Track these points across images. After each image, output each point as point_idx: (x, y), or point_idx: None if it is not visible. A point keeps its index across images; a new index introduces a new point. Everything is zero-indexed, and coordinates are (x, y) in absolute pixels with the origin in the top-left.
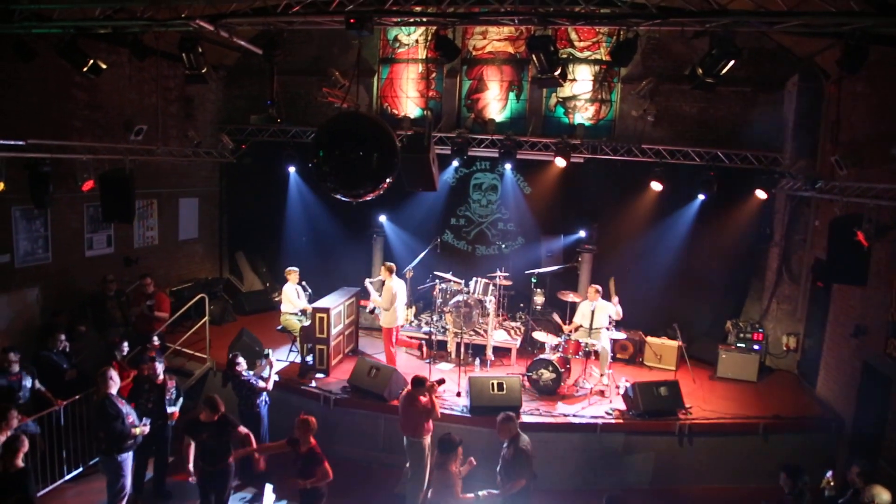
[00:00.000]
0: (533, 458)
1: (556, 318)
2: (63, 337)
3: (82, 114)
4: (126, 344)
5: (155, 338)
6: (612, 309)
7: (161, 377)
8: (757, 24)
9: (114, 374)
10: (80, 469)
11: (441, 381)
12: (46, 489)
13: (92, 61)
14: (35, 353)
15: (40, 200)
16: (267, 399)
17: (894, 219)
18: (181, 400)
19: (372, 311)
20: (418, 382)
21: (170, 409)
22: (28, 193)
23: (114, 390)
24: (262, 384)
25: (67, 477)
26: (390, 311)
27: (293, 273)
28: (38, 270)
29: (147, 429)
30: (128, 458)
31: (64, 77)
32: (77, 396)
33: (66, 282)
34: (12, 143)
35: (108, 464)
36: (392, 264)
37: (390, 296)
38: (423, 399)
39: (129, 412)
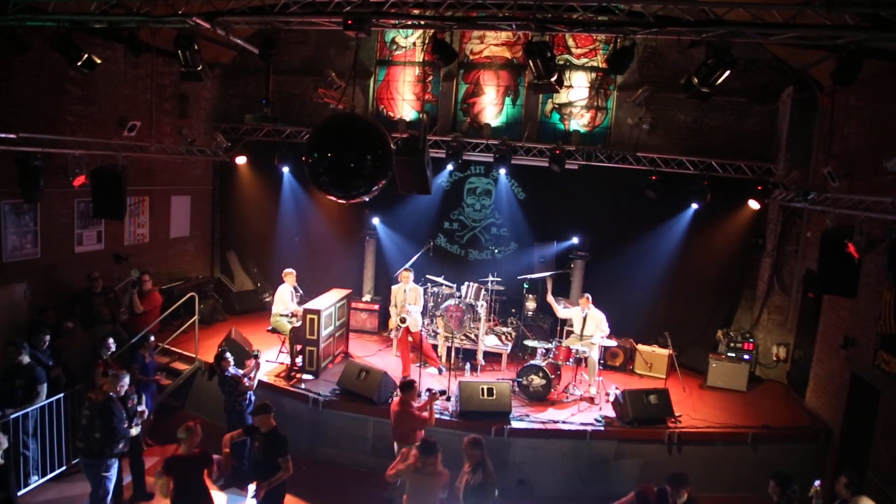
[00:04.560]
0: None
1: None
2: (47, 337)
3: (75, 108)
4: (112, 341)
5: (151, 337)
6: (603, 319)
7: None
8: (753, 35)
9: (126, 379)
10: (63, 468)
11: (444, 394)
12: (27, 489)
13: (86, 56)
14: None
15: (30, 195)
16: (252, 398)
17: (885, 231)
18: (144, 398)
19: (403, 321)
20: (407, 386)
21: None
22: (18, 187)
23: (114, 392)
24: (247, 382)
25: (49, 476)
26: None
27: (290, 275)
28: (26, 266)
29: (139, 429)
30: (115, 463)
31: (57, 71)
32: (61, 395)
33: (54, 278)
34: (3, 136)
35: (95, 468)
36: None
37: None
38: (417, 405)
39: (125, 416)
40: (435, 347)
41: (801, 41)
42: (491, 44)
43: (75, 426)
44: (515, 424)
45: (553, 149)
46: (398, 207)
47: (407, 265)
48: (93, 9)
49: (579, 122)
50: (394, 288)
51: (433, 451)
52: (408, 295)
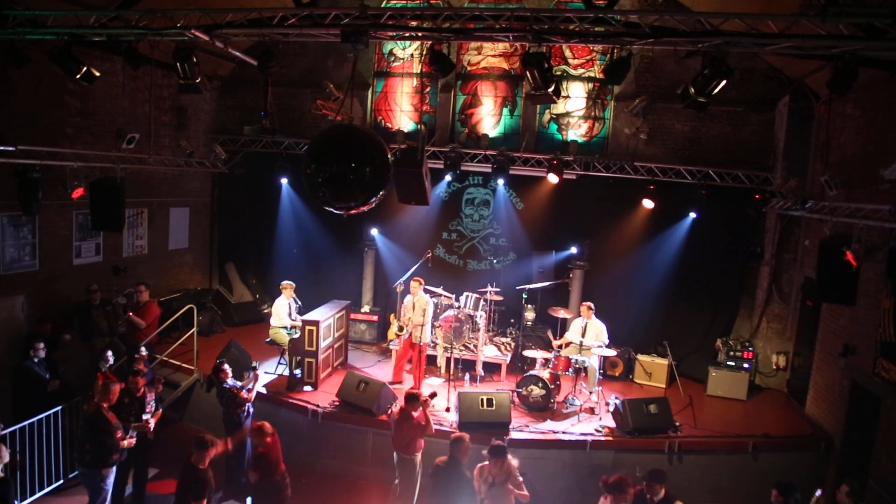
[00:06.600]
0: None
1: (549, 334)
2: (41, 345)
3: (74, 121)
4: (111, 354)
5: (143, 348)
6: (603, 329)
7: (141, 390)
8: (748, 45)
9: (117, 389)
10: (61, 481)
11: (433, 395)
12: (25, 501)
13: (85, 68)
14: (18, 363)
15: (29, 207)
16: (250, 410)
17: (882, 239)
18: (159, 411)
19: (401, 329)
20: (412, 398)
21: (149, 419)
22: (16, 200)
23: (106, 404)
24: (245, 394)
25: (47, 489)
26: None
27: (287, 288)
28: (24, 278)
29: (134, 441)
30: (112, 473)
31: (56, 83)
32: (59, 407)
33: (52, 290)
34: (2, 148)
35: (92, 478)
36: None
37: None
38: (416, 414)
39: (118, 426)
40: (434, 358)
41: (796, 51)
42: (488, 55)
43: (73, 438)
44: (515, 435)
45: (551, 159)
46: (397, 218)
47: (405, 276)
48: (92, 22)
49: (577, 132)
50: (406, 299)
51: (503, 454)
52: (415, 306)
